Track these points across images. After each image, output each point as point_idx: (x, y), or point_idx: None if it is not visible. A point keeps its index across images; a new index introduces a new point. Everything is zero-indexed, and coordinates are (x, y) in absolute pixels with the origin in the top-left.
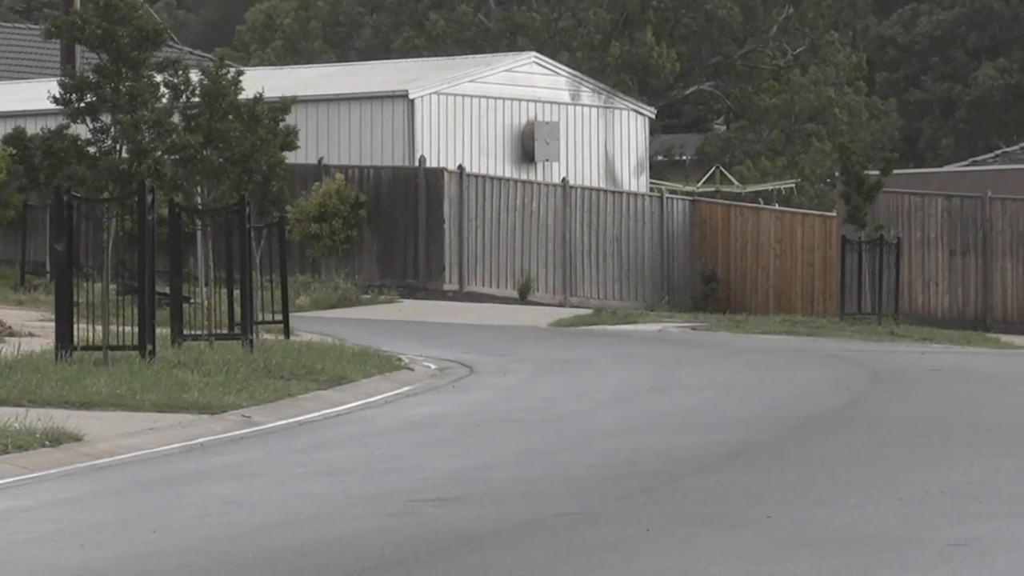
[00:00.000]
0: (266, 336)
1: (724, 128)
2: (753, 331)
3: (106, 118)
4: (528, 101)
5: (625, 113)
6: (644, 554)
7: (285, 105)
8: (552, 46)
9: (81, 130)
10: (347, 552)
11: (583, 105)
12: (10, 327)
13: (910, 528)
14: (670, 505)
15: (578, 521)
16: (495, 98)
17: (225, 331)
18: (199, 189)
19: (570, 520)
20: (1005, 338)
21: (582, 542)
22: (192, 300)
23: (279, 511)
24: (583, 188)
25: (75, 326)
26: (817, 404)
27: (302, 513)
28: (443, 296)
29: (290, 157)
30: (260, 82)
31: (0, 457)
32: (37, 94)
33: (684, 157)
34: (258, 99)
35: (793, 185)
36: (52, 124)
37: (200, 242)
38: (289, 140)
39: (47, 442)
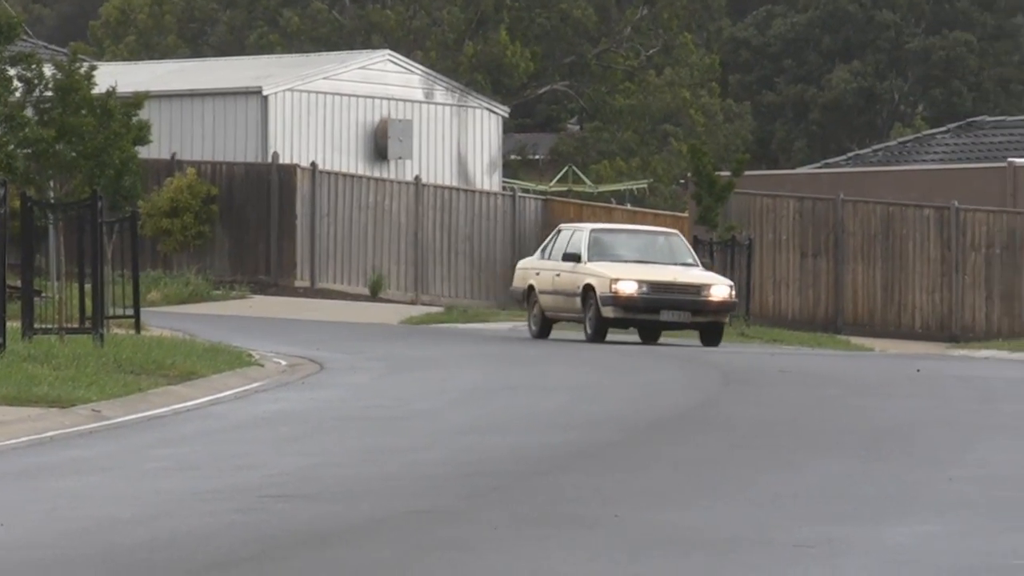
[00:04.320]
0: (117, 331)
1: (578, 128)
2: None
3: None
4: (382, 99)
5: (479, 112)
6: (494, 553)
7: (138, 100)
8: (406, 44)
9: None
10: (197, 548)
11: (437, 103)
12: None
13: (760, 530)
14: (520, 504)
15: (428, 519)
16: (349, 95)
17: (76, 325)
18: (51, 183)
19: (420, 518)
20: (855, 340)
21: (432, 540)
22: (43, 294)
23: (129, 506)
24: (436, 186)
25: None
26: (668, 405)
27: (152, 508)
28: (295, 293)
29: (143, 152)
30: (114, 77)
31: None
32: None
33: (537, 156)
34: (111, 94)
35: (646, 185)
36: None
37: (52, 236)
38: (142, 135)
39: None
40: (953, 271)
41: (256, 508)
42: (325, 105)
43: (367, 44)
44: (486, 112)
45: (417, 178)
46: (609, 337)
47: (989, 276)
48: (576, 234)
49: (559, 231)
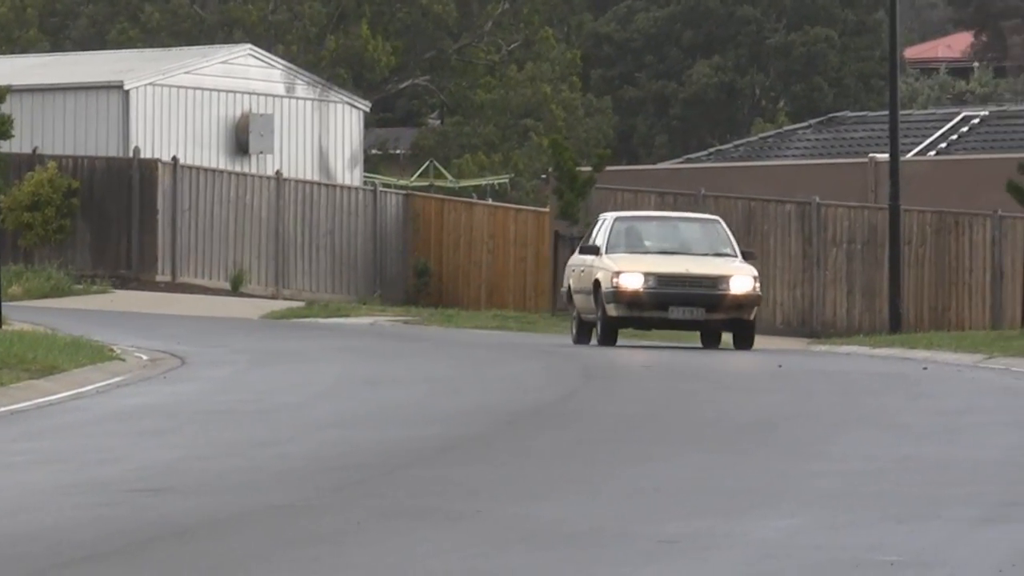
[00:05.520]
0: None
1: (439, 123)
2: (465, 325)
3: None
4: (243, 93)
5: (340, 106)
6: (358, 546)
7: (0, 94)
8: (268, 39)
9: None
10: (62, 542)
11: (298, 98)
12: None
13: (624, 523)
14: (384, 498)
15: (292, 513)
16: (210, 90)
17: None
18: None
19: (284, 512)
20: None
21: (296, 534)
22: None
23: None
24: (297, 181)
25: None
26: (530, 399)
27: (15, 503)
28: (156, 287)
29: (4, 146)
30: None
31: None
32: None
33: (398, 151)
34: None
35: (507, 180)
36: None
37: None
38: (3, 129)
39: None
40: (814, 266)
41: (120, 502)
42: (186, 100)
43: (228, 39)
44: (347, 107)
45: (278, 172)
46: (664, 342)
47: (850, 271)
48: (603, 224)
49: (596, 221)
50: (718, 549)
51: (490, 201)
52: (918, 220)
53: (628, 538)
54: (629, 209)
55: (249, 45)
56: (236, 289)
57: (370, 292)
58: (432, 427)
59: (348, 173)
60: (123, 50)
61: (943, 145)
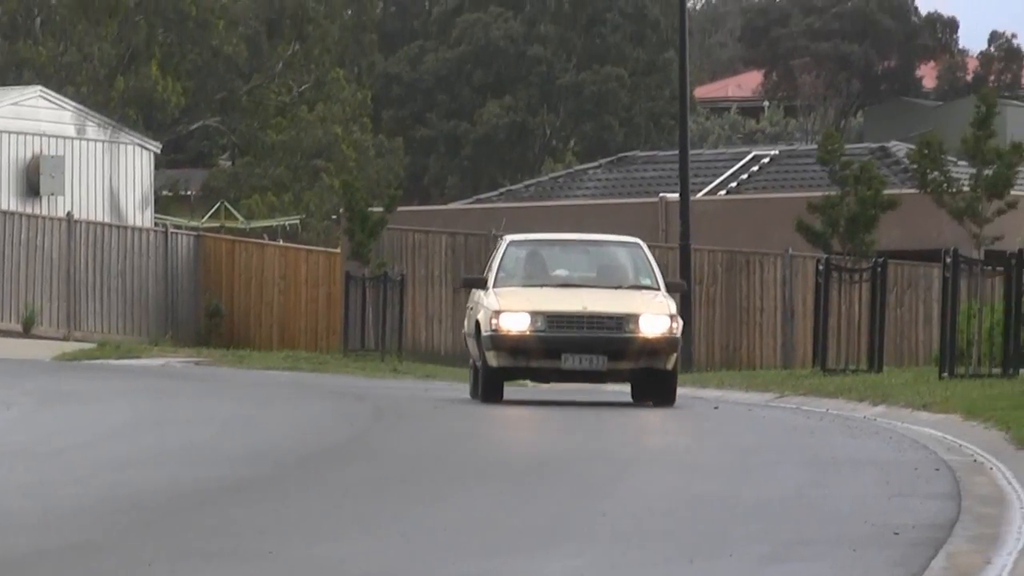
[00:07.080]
0: None
1: (230, 164)
2: (256, 366)
3: None
4: (34, 135)
5: (131, 148)
6: None
7: None
8: (58, 80)
9: None
10: None
11: (89, 139)
12: None
13: (414, 563)
14: (173, 539)
15: (81, 553)
16: (1, 132)
17: None
18: None
19: (74, 552)
20: None
21: (85, 575)
22: None
23: None
24: (88, 222)
25: None
26: (320, 439)
27: None
28: None
29: None
30: None
31: None
32: None
33: (189, 192)
34: None
35: (298, 221)
36: None
37: None
38: None
39: None
40: None
41: None
42: None
43: (19, 80)
44: (138, 148)
45: (69, 214)
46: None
47: None
48: (497, 250)
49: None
50: None
51: (281, 242)
52: (709, 259)
53: None
54: (422, 250)
55: (40, 86)
56: (28, 331)
57: (162, 333)
58: (221, 467)
59: (139, 214)
60: None
61: (733, 184)
